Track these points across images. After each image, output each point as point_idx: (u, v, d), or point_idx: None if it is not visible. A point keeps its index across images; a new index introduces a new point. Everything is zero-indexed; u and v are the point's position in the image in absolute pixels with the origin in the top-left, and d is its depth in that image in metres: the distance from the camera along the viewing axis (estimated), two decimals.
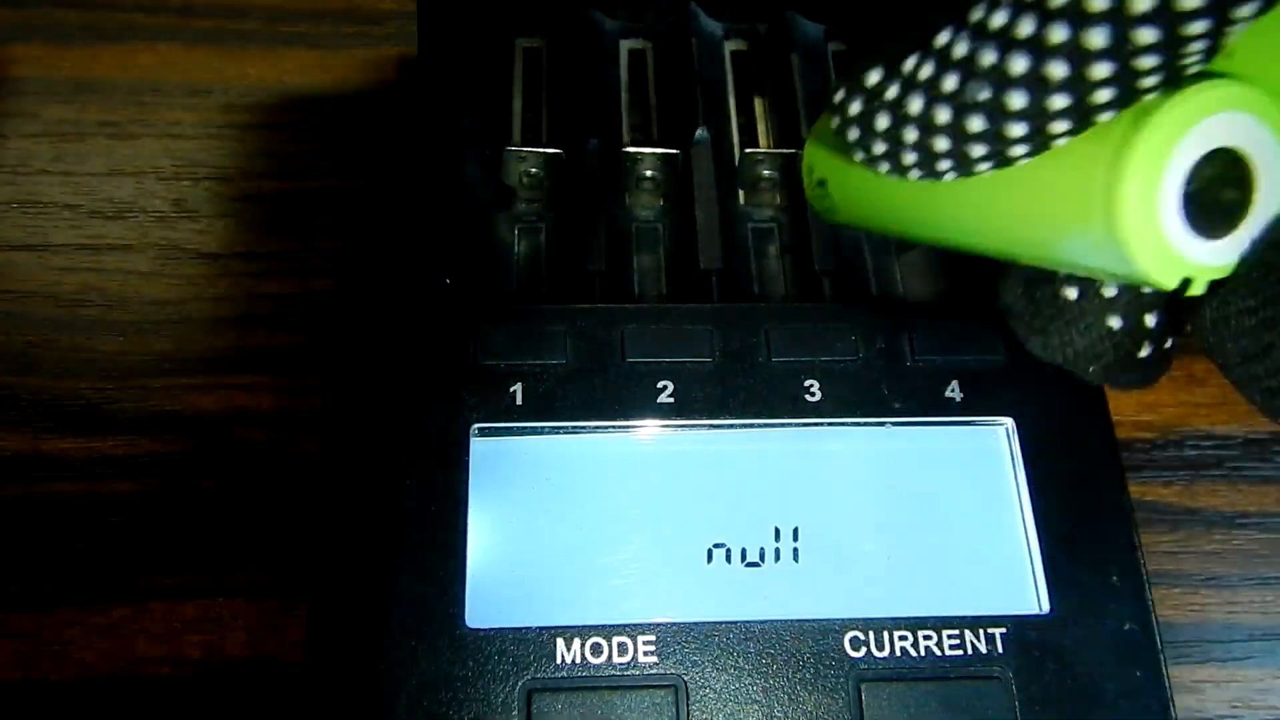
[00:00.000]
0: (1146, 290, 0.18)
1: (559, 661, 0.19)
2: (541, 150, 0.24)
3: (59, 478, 0.24)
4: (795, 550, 0.20)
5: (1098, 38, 0.14)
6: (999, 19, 0.15)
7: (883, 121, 0.17)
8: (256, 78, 0.30)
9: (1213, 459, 0.27)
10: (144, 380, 0.26)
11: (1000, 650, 0.19)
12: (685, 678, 0.19)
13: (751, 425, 0.21)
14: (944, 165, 0.16)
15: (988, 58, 0.15)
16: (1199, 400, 0.28)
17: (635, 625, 0.19)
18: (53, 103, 0.29)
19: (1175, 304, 0.17)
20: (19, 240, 0.27)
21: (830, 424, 0.21)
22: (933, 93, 0.16)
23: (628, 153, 0.24)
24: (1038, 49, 0.14)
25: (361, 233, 0.28)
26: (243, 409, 0.25)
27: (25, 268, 0.27)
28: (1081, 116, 0.15)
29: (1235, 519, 0.26)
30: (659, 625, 0.19)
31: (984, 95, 0.15)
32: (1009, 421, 0.21)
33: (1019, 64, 0.15)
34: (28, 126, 0.29)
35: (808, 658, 0.19)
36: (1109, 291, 0.18)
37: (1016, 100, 0.15)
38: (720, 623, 0.19)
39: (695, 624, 0.19)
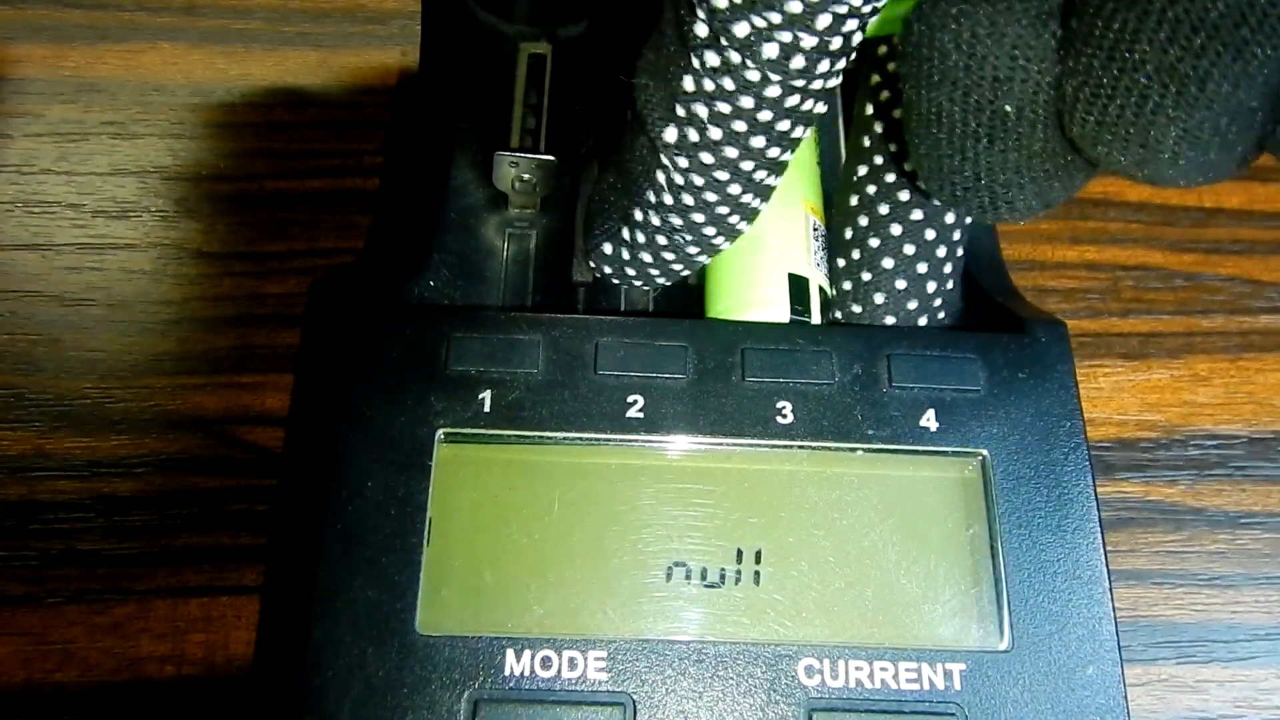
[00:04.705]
0: None
1: (507, 673, 0.18)
2: (533, 156, 0.24)
3: (62, 477, 0.24)
4: (757, 573, 0.20)
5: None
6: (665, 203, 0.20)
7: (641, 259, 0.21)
8: (260, 77, 0.30)
9: (1217, 459, 0.27)
10: (147, 380, 0.26)
11: (958, 686, 0.19)
12: (635, 696, 0.18)
13: (720, 444, 0.20)
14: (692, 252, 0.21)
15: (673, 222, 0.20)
16: (1203, 400, 0.28)
17: (587, 640, 0.19)
18: (56, 102, 0.29)
19: None
20: (23, 240, 0.27)
21: (800, 447, 0.20)
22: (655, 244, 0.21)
23: (589, 172, 0.24)
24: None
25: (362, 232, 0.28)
26: (245, 408, 0.25)
27: (29, 267, 0.27)
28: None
29: (1239, 519, 0.26)
30: (612, 641, 0.19)
31: (687, 237, 0.20)
32: (984, 453, 0.21)
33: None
34: (31, 126, 0.29)
35: (760, 683, 0.19)
36: None
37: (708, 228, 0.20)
38: (674, 642, 0.19)
39: (649, 642, 0.19)
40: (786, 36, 0.17)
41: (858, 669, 0.19)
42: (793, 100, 0.18)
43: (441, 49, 0.27)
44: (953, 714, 0.19)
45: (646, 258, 0.21)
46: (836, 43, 0.17)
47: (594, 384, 0.21)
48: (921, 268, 0.22)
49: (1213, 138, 0.16)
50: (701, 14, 0.17)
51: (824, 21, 0.17)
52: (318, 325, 0.21)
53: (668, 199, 0.20)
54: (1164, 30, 0.15)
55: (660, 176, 0.20)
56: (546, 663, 0.18)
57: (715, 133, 0.18)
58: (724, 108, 0.18)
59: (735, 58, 0.17)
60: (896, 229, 0.22)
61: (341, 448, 0.20)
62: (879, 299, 0.22)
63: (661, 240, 0.21)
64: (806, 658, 0.19)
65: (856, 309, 0.23)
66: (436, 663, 0.18)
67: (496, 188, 0.24)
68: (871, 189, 0.22)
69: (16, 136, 0.29)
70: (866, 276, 0.22)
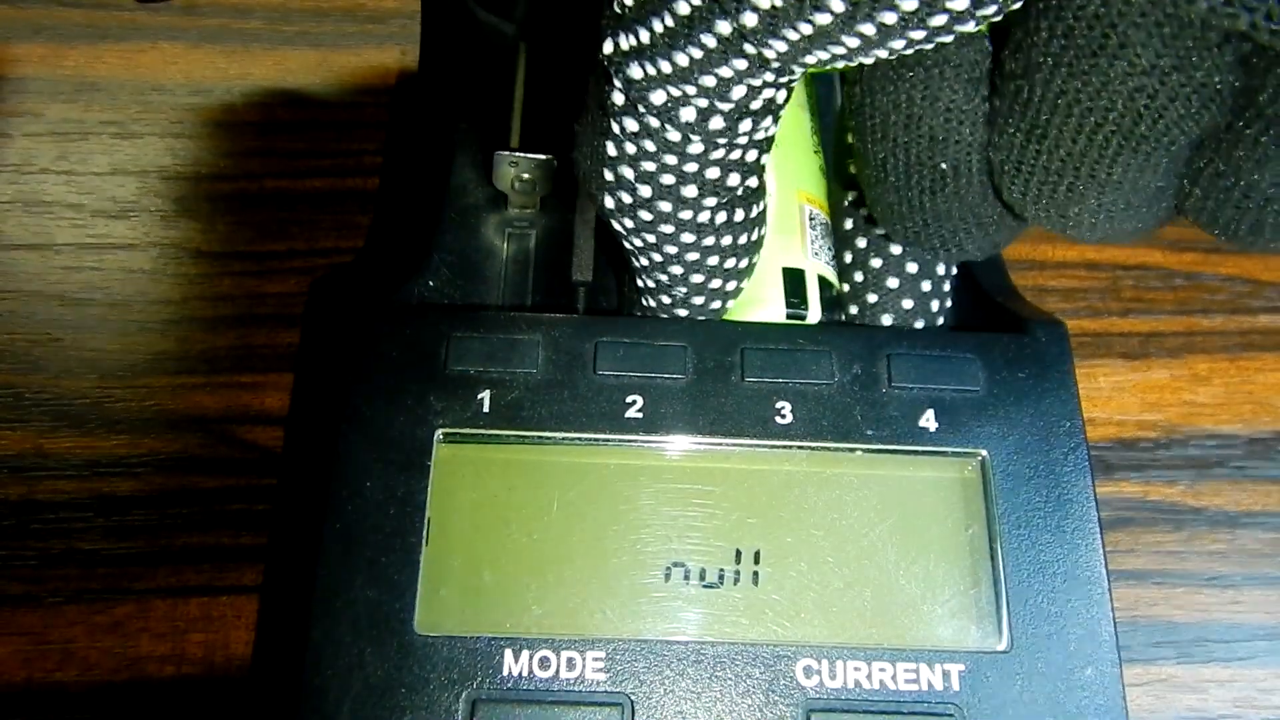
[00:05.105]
0: None
1: (506, 673, 0.18)
2: (532, 156, 0.24)
3: (62, 476, 0.24)
4: (755, 574, 0.20)
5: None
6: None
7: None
8: (259, 77, 0.30)
9: (1217, 458, 0.27)
10: (147, 379, 0.26)
11: (956, 687, 0.19)
12: (633, 696, 0.18)
13: (719, 444, 0.20)
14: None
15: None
16: (1203, 400, 0.28)
17: (585, 640, 0.19)
18: (56, 102, 0.29)
19: None
20: (23, 239, 0.27)
21: (799, 447, 0.20)
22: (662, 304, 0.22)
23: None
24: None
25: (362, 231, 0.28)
26: (245, 408, 0.25)
27: (29, 267, 0.27)
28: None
29: (1239, 518, 0.26)
30: (610, 642, 0.19)
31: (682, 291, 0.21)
32: (983, 454, 0.21)
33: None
34: (31, 126, 0.29)
35: (758, 683, 0.19)
36: None
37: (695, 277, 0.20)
38: (673, 643, 0.19)
39: (647, 642, 0.19)
40: (702, 103, 0.17)
41: (856, 669, 0.19)
42: (718, 154, 0.18)
43: (441, 48, 0.27)
44: (951, 715, 0.19)
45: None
46: (756, 104, 0.17)
47: (593, 384, 0.21)
48: (925, 285, 0.22)
49: (1126, 211, 0.17)
50: (618, 83, 0.17)
51: (739, 93, 0.17)
52: (317, 325, 0.21)
53: (643, 261, 0.20)
54: (1072, 125, 0.16)
55: (626, 245, 0.20)
56: (545, 663, 0.18)
57: (645, 190, 0.19)
58: (649, 166, 0.18)
59: (654, 122, 0.17)
60: (896, 248, 0.22)
61: (341, 447, 0.20)
62: (886, 320, 0.22)
63: (666, 300, 0.21)
64: (805, 658, 0.19)
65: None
66: (435, 663, 0.18)
67: (496, 187, 0.24)
68: (865, 211, 0.22)
69: (16, 136, 0.29)
70: (872, 298, 0.22)
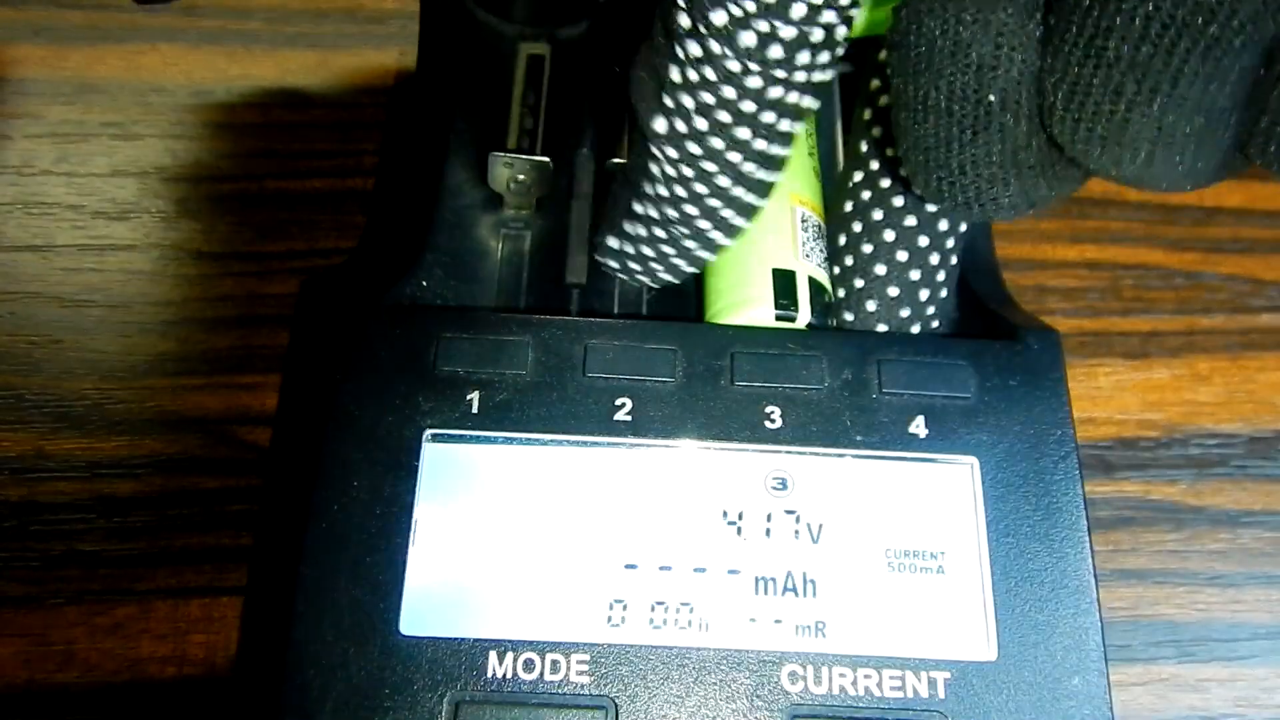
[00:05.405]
0: None
1: (490, 675, 0.18)
2: (528, 158, 0.24)
3: (62, 478, 0.24)
4: (742, 579, 0.20)
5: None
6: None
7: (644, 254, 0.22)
8: (259, 77, 0.30)
9: (1217, 457, 0.27)
10: (147, 380, 0.26)
11: (942, 695, 0.19)
12: (616, 700, 0.18)
13: (707, 448, 0.20)
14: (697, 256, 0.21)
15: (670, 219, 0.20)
16: (1204, 399, 0.28)
17: (570, 643, 0.19)
18: (56, 103, 0.29)
19: None
20: (23, 241, 0.27)
21: (787, 452, 0.20)
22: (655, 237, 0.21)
23: (615, 164, 0.24)
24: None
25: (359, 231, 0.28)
26: (245, 408, 0.25)
27: (29, 268, 0.27)
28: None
29: (1240, 517, 0.26)
30: (594, 645, 0.19)
31: (684, 230, 0.20)
32: (973, 461, 0.20)
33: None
34: (31, 127, 0.29)
35: (743, 688, 0.19)
36: None
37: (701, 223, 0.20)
38: (657, 647, 0.19)
39: (632, 646, 0.19)
40: (763, 25, 0.17)
41: (841, 676, 0.19)
42: (775, 92, 0.18)
43: (440, 49, 0.27)
44: None
45: (649, 252, 0.21)
46: (816, 34, 0.17)
47: (582, 386, 0.21)
48: (914, 275, 0.22)
49: (1187, 139, 0.17)
50: (683, 3, 0.17)
51: (798, 11, 0.17)
52: (307, 324, 0.21)
53: (662, 191, 0.20)
54: (1136, 28, 0.16)
55: (654, 168, 0.20)
56: (529, 665, 0.18)
57: (701, 123, 0.18)
58: (708, 98, 0.18)
59: (715, 47, 0.17)
60: (889, 235, 0.22)
61: (328, 447, 0.20)
62: (871, 306, 0.22)
63: (660, 234, 0.21)
64: (790, 664, 0.19)
65: (849, 316, 0.22)
66: (419, 664, 0.18)
67: (492, 188, 0.24)
68: (866, 194, 0.22)
69: (16, 138, 0.29)
70: (859, 283, 0.22)
